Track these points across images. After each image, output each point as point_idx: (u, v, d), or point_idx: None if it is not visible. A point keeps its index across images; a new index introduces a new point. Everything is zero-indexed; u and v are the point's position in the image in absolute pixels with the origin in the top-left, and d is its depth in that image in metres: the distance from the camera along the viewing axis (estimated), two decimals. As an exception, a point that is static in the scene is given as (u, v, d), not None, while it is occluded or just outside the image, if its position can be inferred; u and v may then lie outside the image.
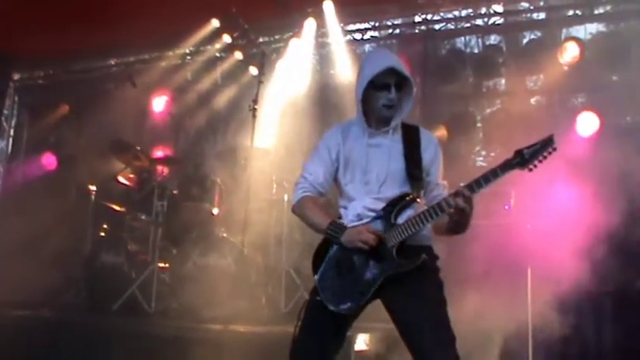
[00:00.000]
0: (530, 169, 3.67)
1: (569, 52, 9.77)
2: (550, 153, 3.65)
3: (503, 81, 11.26)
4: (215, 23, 11.22)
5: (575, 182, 7.69)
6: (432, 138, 4.22)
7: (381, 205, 3.96)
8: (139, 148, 9.37)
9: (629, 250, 7.71)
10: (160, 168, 9.38)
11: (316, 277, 4.01)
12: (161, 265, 8.62)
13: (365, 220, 3.97)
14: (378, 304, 3.94)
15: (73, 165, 12.10)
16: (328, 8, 10.74)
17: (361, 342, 5.80)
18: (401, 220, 3.89)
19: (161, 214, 8.75)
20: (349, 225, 3.99)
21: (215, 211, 8.83)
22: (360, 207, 4.02)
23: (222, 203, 8.97)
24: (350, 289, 3.86)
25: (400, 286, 3.80)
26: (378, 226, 3.91)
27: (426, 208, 3.87)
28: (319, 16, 10.93)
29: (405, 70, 4.05)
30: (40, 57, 13.18)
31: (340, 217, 4.12)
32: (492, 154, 10.99)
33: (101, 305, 8.35)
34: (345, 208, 4.13)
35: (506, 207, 7.71)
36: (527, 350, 7.04)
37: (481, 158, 11.43)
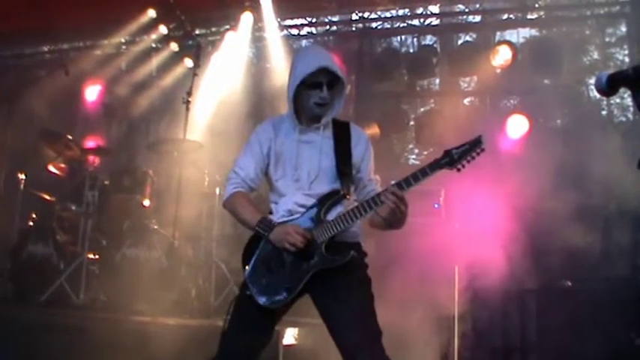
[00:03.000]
0: (459, 169, 3.75)
1: (502, 55, 9.94)
2: (478, 153, 3.74)
3: (437, 81, 11.43)
4: (151, 13, 11.13)
5: (503, 183, 7.82)
6: (362, 134, 4.25)
7: (311, 201, 3.99)
8: (70, 137, 9.23)
9: (553, 250, 7.89)
10: (91, 158, 9.25)
11: (246, 271, 4.01)
12: (90, 256, 8.52)
13: (295, 216, 3.99)
14: (307, 298, 3.98)
15: (2, 152, 11.87)
16: (266, 2, 10.73)
17: (289, 336, 5.83)
18: (331, 216, 3.93)
19: (92, 204, 8.64)
20: (279, 220, 4.01)
21: (146, 202, 8.75)
22: (290, 203, 4.04)
23: (154, 195, 8.90)
24: (279, 284, 3.88)
25: (329, 282, 3.84)
26: (308, 222, 3.94)
27: (355, 204, 3.90)
28: (256, 9, 10.92)
29: (338, 69, 4.06)
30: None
31: (271, 212, 4.14)
32: (425, 152, 11.16)
33: (28, 296, 8.21)
34: (276, 203, 4.14)
35: (436, 205, 7.82)
36: (454, 346, 7.16)
37: (414, 156, 11.62)
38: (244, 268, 4.04)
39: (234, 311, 4.06)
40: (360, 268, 4.01)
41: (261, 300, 3.89)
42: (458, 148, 3.75)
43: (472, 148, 3.74)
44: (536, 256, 7.51)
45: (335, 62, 4.12)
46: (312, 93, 4.03)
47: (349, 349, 3.76)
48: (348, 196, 4.01)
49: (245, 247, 4.11)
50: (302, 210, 4.00)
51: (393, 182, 3.80)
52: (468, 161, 3.74)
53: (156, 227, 8.42)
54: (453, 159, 3.73)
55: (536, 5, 10.72)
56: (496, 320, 7.74)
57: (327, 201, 3.97)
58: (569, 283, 7.98)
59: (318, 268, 3.84)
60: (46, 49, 13.56)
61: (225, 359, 4.02)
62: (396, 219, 3.86)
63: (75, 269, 8.18)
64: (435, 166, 3.75)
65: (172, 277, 7.83)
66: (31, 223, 9.29)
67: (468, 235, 7.38)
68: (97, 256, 8.65)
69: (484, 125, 9.45)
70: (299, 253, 3.86)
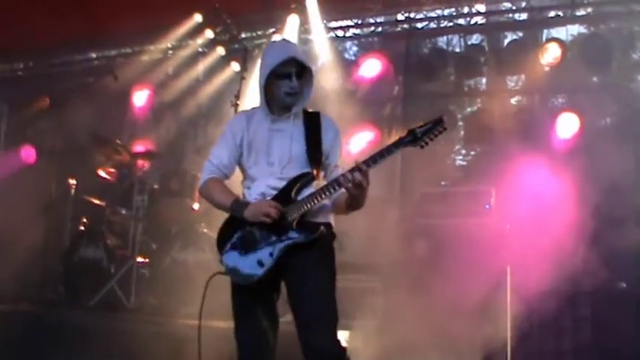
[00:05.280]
0: (422, 146, 3.90)
1: (551, 53, 9.80)
2: (440, 132, 3.87)
3: (484, 80, 11.31)
4: (198, 18, 11.16)
5: (554, 182, 7.73)
6: (332, 123, 4.44)
7: (283, 184, 4.16)
8: (119, 142, 9.34)
9: (608, 251, 7.76)
10: (140, 162, 9.34)
11: (223, 257, 4.22)
12: (140, 260, 8.59)
13: (268, 199, 4.15)
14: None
15: (53, 158, 12.01)
16: (311, 4, 10.71)
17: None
18: (301, 197, 4.10)
19: (141, 208, 8.73)
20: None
21: (195, 206, 8.81)
22: (263, 186, 4.22)
23: (203, 198, 8.94)
24: (253, 261, 4.05)
25: (296, 260, 4.01)
26: (280, 202, 4.08)
27: (324, 184, 4.11)
28: (302, 12, 10.90)
29: (306, 59, 4.33)
30: (21, 49, 13.07)
31: (244, 197, 4.33)
32: (472, 152, 11.06)
33: (79, 300, 8.30)
34: (249, 188, 4.33)
35: (487, 206, 7.75)
36: (506, 348, 7.08)
37: (461, 157, 11.52)
38: (220, 253, 4.24)
39: (233, 303, 4.32)
40: (325, 248, 4.17)
41: (239, 280, 4.15)
42: (421, 127, 3.89)
43: (434, 126, 3.88)
44: (590, 258, 7.39)
45: (302, 52, 4.40)
46: (282, 83, 4.23)
47: (302, 327, 3.94)
48: (317, 179, 4.21)
49: (218, 233, 4.31)
50: (274, 192, 4.16)
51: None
52: (431, 139, 3.87)
53: (205, 230, 8.45)
54: (416, 137, 3.88)
55: (585, 1, 10.56)
56: (548, 322, 7.64)
57: (297, 182, 4.14)
58: (624, 285, 7.85)
59: (290, 242, 4.00)
60: (94, 55, 13.70)
61: (243, 348, 4.25)
62: (358, 196, 3.97)
63: (125, 273, 8.26)
64: (399, 143, 3.91)
65: (222, 279, 7.84)
66: (82, 228, 9.42)
67: (519, 235, 7.30)
68: (146, 260, 8.72)
69: (533, 124, 9.35)
70: (271, 231, 4.03)
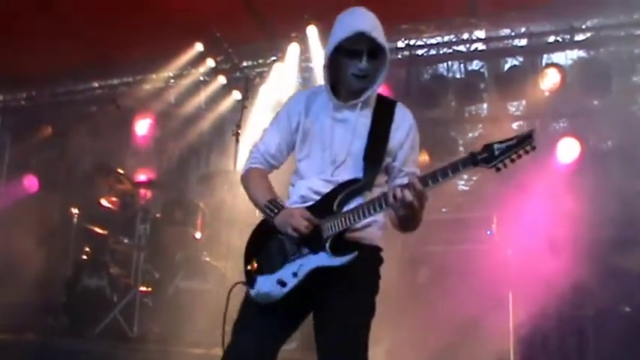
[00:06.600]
0: (499, 169, 3.13)
1: (550, 78, 9.84)
2: (527, 152, 3.11)
3: (485, 106, 11.30)
4: (199, 47, 11.22)
5: (556, 207, 7.74)
6: (408, 117, 3.71)
7: (329, 189, 3.51)
8: (121, 171, 9.37)
9: (611, 274, 7.76)
10: (142, 191, 9.38)
11: (248, 266, 3.63)
12: (143, 289, 8.60)
13: (308, 204, 3.54)
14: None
15: (55, 187, 12.04)
16: (312, 33, 10.75)
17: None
18: (346, 208, 3.43)
19: (144, 237, 8.76)
20: (292, 206, 3.59)
21: (198, 235, 8.82)
22: (305, 188, 3.62)
23: (205, 227, 8.96)
24: (274, 280, 3.47)
25: (328, 288, 3.41)
26: (318, 212, 3.46)
27: (372, 197, 3.40)
28: (303, 40, 10.94)
29: (380, 35, 3.52)
30: (24, 78, 13.12)
31: (288, 195, 3.78)
32: (474, 178, 11.03)
33: (83, 329, 8.30)
34: (293, 185, 3.76)
35: (488, 232, 7.76)
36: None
37: (463, 182, 11.48)
38: (246, 264, 3.67)
39: (239, 311, 3.70)
40: (367, 279, 3.56)
41: (252, 292, 3.56)
42: (502, 142, 3.11)
43: (519, 144, 3.09)
44: (593, 282, 7.39)
45: (378, 27, 3.55)
46: (351, 63, 3.52)
47: None
48: (370, 188, 3.50)
49: (249, 236, 3.75)
50: (316, 197, 3.54)
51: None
52: (512, 160, 3.10)
53: (208, 259, 8.46)
54: (492, 155, 3.10)
55: (583, 27, 10.60)
56: (552, 346, 7.62)
57: (343, 190, 3.46)
58: (628, 309, 7.83)
59: (317, 265, 3.36)
60: (96, 84, 13.73)
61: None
62: (407, 218, 3.33)
63: (128, 302, 8.27)
64: (468, 161, 3.14)
65: (203, 311, 7.80)
66: (85, 257, 9.43)
67: (521, 261, 7.31)
68: (149, 289, 8.72)
69: (535, 149, 9.36)
70: (301, 244, 3.41)
